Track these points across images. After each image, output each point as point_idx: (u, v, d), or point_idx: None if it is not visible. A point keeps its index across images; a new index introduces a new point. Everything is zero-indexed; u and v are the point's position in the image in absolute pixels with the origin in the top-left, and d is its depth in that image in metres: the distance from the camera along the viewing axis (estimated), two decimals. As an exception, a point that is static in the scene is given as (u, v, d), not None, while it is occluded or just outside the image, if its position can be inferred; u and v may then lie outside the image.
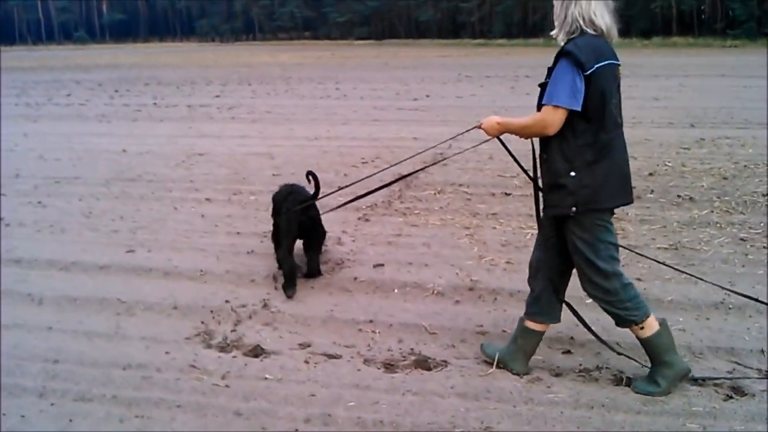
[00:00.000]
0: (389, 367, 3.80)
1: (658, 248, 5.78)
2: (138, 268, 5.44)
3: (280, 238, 4.94)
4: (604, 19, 3.15)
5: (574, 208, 3.17)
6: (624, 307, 3.28)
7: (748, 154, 9.79)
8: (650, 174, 8.54)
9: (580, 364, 3.79)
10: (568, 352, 3.95)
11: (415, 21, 73.28)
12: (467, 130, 4.02)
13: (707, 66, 26.68)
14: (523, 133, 3.31)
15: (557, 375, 3.70)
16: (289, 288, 4.72)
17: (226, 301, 4.75)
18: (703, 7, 56.75)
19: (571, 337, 4.08)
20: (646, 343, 3.37)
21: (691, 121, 12.85)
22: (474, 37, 64.76)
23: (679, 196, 7.46)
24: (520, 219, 6.57)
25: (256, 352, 3.98)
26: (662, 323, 3.37)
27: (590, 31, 3.14)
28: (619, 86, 3.25)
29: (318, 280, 5.12)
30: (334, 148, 10.71)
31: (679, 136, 11.34)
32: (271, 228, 5.34)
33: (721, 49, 45.38)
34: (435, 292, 4.87)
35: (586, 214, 3.19)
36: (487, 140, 3.60)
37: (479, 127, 3.48)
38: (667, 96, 16.77)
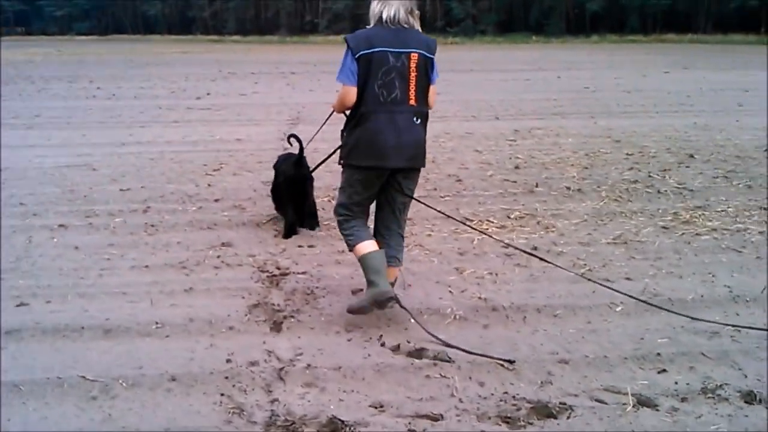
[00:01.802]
0: (509, 421, 3.12)
1: (608, 243, 5.64)
2: (60, 328, 4.06)
3: (281, 197, 5.78)
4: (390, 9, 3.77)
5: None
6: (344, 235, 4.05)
7: (570, 143, 10.28)
8: (516, 167, 8.51)
9: (688, 384, 3.44)
10: (664, 371, 3.57)
11: (142, 15, 69.05)
12: (329, 117, 4.67)
13: (450, 62, 28.29)
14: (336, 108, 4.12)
15: (684, 399, 3.29)
16: (289, 234, 5.67)
17: (228, 360, 3.67)
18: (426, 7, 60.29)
19: (658, 354, 3.72)
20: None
21: (484, 114, 13.29)
22: (207, 33, 62.85)
23: (568, 188, 7.47)
24: (449, 222, 6.03)
25: (335, 427, 3.06)
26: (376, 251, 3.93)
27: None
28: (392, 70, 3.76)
29: (317, 320, 4.21)
30: (158, 155, 9.47)
31: (492, 128, 11.72)
32: (272, 193, 6.16)
33: (443, 47, 49.16)
34: (456, 316, 4.22)
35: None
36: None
37: (332, 107, 4.17)
38: (441, 90, 17.24)
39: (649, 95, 16.39)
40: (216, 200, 7.01)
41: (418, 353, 3.71)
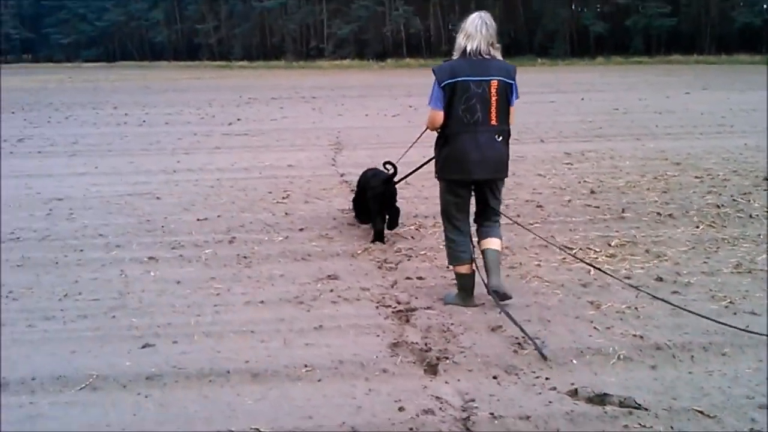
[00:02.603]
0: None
1: (732, 272, 5.39)
2: (204, 372, 3.78)
3: (369, 208, 6.38)
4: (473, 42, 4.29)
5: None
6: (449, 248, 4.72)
7: (630, 165, 10.07)
8: (592, 192, 8.28)
9: None
10: None
11: (149, 42, 69.15)
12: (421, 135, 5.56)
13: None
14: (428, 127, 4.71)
15: None
16: (379, 239, 6.24)
17: (400, 409, 3.39)
18: (431, 32, 60.49)
19: None
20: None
21: (526, 136, 13.07)
22: (213, 59, 62.85)
23: (658, 214, 7.23)
24: (551, 250, 5.83)
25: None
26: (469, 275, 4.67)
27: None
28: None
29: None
30: (215, 182, 9.28)
31: (542, 151, 11.55)
32: (354, 203, 6.92)
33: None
34: (620, 356, 3.94)
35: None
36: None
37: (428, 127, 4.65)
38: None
39: (682, 116, 16.21)
40: (300, 230, 6.76)
41: (601, 399, 3.44)
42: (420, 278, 5.36)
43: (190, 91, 28.35)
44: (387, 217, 6.38)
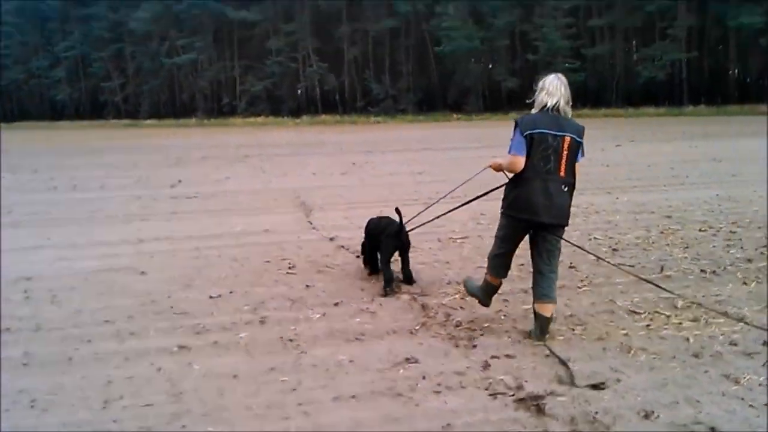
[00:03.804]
0: None
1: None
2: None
3: (380, 255, 6.52)
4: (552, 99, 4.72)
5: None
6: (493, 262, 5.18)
7: (621, 220, 9.92)
8: (614, 250, 7.98)
9: None
10: None
11: (49, 100, 66.21)
12: (481, 170, 5.74)
13: (393, 141, 28.32)
14: (506, 168, 4.91)
15: None
16: (389, 288, 6.23)
17: None
18: (345, 88, 60.79)
19: None
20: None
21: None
22: (120, 117, 60.93)
23: (703, 271, 6.93)
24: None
25: None
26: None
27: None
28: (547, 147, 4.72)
29: None
30: (195, 251, 8.51)
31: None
32: (362, 252, 7.12)
33: (368, 125, 49.98)
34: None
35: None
36: (502, 185, 5.25)
37: (489, 166, 5.13)
38: (426, 170, 17.05)
39: (633, 169, 16.36)
40: (335, 304, 6.07)
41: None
42: (509, 356, 4.77)
43: (109, 152, 27.02)
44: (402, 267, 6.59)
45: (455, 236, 8.98)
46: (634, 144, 24.12)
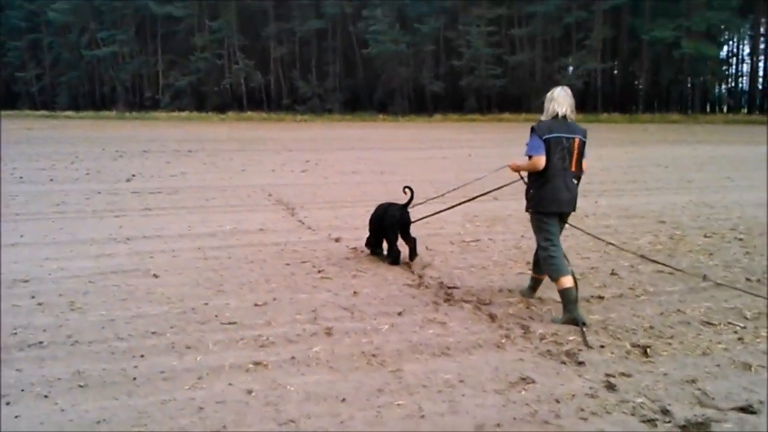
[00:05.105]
0: None
1: None
2: None
3: (387, 237, 7.27)
4: (562, 108, 5.43)
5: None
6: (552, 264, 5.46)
7: (618, 224, 9.84)
8: (642, 256, 7.73)
9: None
10: None
11: (-44, 90, 62.26)
12: (499, 168, 6.49)
13: (333, 140, 27.91)
14: (527, 169, 5.57)
15: None
16: (396, 262, 7.08)
17: None
18: (271, 86, 59.72)
19: None
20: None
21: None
22: (35, 108, 57.86)
23: (748, 279, 6.83)
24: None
25: None
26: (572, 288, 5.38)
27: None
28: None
29: None
30: (198, 252, 7.89)
31: (521, 212, 10.89)
32: (367, 238, 7.64)
33: (294, 124, 49.36)
34: None
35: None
36: (515, 181, 6.32)
37: (508, 166, 5.82)
38: (386, 170, 16.73)
39: (597, 173, 16.45)
40: (399, 314, 5.63)
41: None
42: (625, 374, 4.43)
43: (39, 143, 25.53)
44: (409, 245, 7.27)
45: (466, 239, 8.62)
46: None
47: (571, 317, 5.31)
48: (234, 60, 58.56)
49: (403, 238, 7.24)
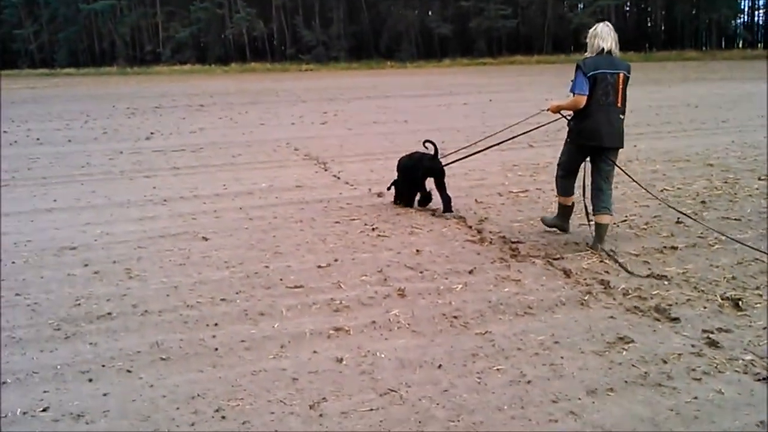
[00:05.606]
0: None
1: None
2: None
3: (412, 186, 7.41)
4: (606, 43, 5.54)
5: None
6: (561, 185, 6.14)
7: (667, 167, 9.57)
8: (703, 202, 7.55)
9: None
10: None
11: (-46, 48, 61.40)
12: (539, 112, 6.70)
13: (346, 90, 27.54)
14: (568, 108, 5.72)
15: None
16: (423, 206, 7.44)
17: None
18: (274, 35, 58.72)
19: None
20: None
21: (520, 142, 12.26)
22: (34, 66, 57.14)
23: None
24: None
25: None
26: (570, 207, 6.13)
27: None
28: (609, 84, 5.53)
29: None
30: (241, 213, 7.71)
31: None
32: (395, 187, 7.66)
33: (300, 73, 48.65)
34: None
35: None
36: (555, 120, 6.34)
37: (547, 110, 6.05)
38: (409, 119, 16.48)
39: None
40: (470, 272, 5.43)
41: None
42: (723, 330, 4.25)
43: (43, 102, 25.18)
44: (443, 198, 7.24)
45: (513, 190, 8.38)
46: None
47: (559, 225, 6.24)
48: (235, 9, 57.46)
49: (438, 189, 7.19)
